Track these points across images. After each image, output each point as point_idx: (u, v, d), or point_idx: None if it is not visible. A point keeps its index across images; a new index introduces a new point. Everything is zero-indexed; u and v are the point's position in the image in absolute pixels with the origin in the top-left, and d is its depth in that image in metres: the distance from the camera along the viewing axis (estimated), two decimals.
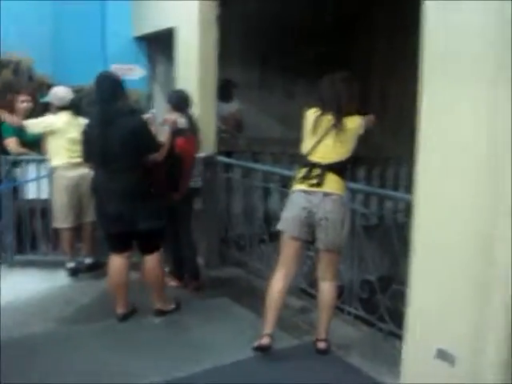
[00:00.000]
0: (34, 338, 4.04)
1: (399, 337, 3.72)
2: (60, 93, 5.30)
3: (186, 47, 6.08)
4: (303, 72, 8.86)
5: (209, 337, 4.09)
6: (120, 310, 4.34)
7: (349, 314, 4.40)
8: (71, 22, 7.29)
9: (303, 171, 3.75)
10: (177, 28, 6.23)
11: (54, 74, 6.76)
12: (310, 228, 3.74)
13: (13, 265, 5.55)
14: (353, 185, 4.43)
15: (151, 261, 4.31)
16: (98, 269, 5.32)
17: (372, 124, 3.93)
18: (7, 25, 5.72)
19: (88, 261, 5.35)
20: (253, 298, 4.76)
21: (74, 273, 5.26)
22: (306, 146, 3.80)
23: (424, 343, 3.10)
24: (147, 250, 4.30)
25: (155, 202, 4.21)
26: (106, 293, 4.86)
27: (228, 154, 6.10)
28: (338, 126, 3.69)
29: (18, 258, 5.60)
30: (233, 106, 6.90)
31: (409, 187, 3.48)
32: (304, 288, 4.78)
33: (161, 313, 4.40)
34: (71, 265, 5.28)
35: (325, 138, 3.70)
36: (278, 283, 3.82)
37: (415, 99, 3.03)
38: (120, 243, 4.28)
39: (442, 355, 2.96)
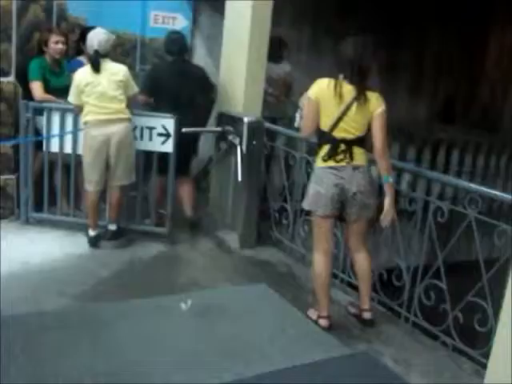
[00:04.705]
0: (43, 316, 3.47)
1: (469, 357, 3.26)
2: (101, 37, 4.64)
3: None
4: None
5: (246, 334, 3.50)
6: None
7: (406, 320, 3.82)
8: None
9: (327, 148, 3.56)
10: None
11: (88, 16, 6.13)
12: (340, 204, 3.60)
13: (28, 222, 5.02)
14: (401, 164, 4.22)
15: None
16: (121, 237, 4.78)
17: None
18: None
19: (112, 227, 4.75)
20: (293, 286, 4.28)
21: (95, 242, 4.69)
22: (325, 121, 3.55)
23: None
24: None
25: None
26: (129, 266, 4.38)
27: (273, 121, 5.45)
28: (360, 98, 3.49)
29: (35, 215, 5.05)
30: (282, 68, 6.19)
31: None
32: (349, 281, 4.27)
33: None
34: (93, 233, 4.70)
35: (347, 113, 3.50)
36: (321, 265, 3.69)
37: None
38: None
39: None
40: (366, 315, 3.78)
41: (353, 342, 3.56)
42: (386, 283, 4.06)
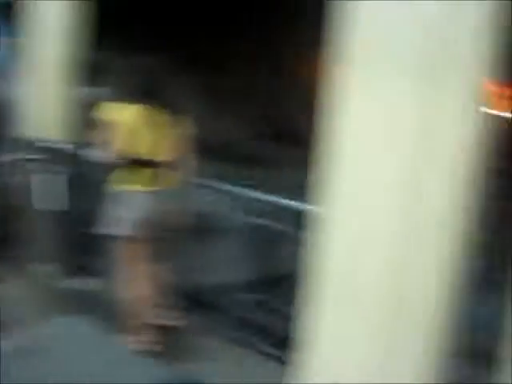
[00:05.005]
0: None
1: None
2: None
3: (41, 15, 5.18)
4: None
5: (67, 368, 3.37)
6: None
7: (224, 335, 3.92)
8: None
9: (130, 170, 3.57)
10: None
11: None
12: (145, 225, 3.61)
13: None
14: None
15: None
16: None
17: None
18: None
19: None
20: (112, 314, 4.10)
21: None
22: (127, 144, 3.54)
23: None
24: None
25: None
26: None
27: (84, 146, 5.31)
28: (160, 121, 3.57)
29: None
30: (94, 92, 6.06)
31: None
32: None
33: None
34: None
35: (148, 135, 3.56)
36: (134, 289, 3.67)
37: None
38: None
39: None
40: (174, 322, 3.81)
41: (173, 363, 3.59)
42: (201, 300, 4.11)
